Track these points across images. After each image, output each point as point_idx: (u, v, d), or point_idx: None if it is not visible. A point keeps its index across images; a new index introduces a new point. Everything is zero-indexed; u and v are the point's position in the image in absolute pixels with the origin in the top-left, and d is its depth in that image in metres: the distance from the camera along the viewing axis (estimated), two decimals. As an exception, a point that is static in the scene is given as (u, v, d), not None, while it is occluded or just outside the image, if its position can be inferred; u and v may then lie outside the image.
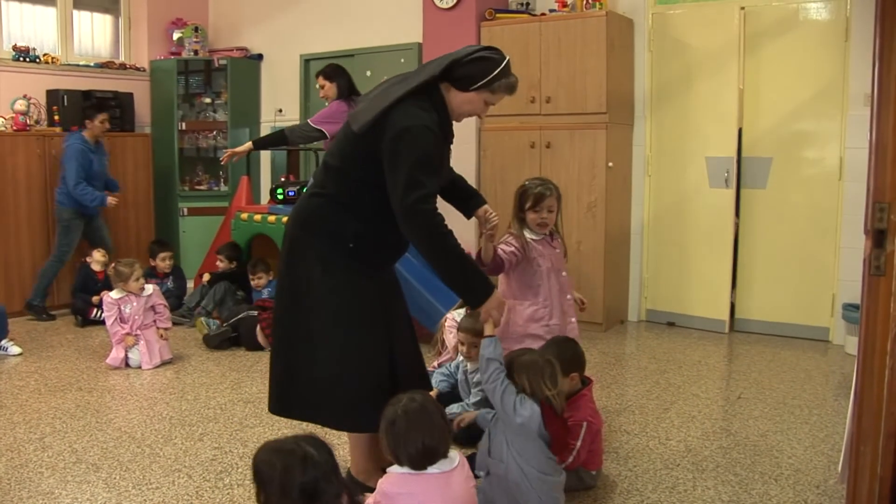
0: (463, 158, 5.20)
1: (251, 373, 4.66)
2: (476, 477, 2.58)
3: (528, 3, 6.04)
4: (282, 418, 3.77)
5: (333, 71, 5.29)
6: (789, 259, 5.42)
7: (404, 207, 2.54)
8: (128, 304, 4.82)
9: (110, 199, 5.93)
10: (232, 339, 5.18)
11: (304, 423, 3.67)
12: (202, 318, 5.39)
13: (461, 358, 3.66)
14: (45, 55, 6.69)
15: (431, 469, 2.24)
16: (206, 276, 5.98)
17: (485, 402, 3.22)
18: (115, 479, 3.16)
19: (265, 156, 7.55)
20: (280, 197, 5.87)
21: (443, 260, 2.64)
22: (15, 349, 5.01)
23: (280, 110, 7.49)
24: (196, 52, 7.49)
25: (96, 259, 5.93)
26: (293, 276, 2.82)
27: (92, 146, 6.01)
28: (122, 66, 7.29)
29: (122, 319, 4.79)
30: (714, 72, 5.52)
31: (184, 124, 7.44)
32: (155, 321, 4.89)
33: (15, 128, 6.13)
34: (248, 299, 5.70)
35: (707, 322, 5.68)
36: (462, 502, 2.30)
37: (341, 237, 2.73)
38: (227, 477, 3.18)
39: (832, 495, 3.01)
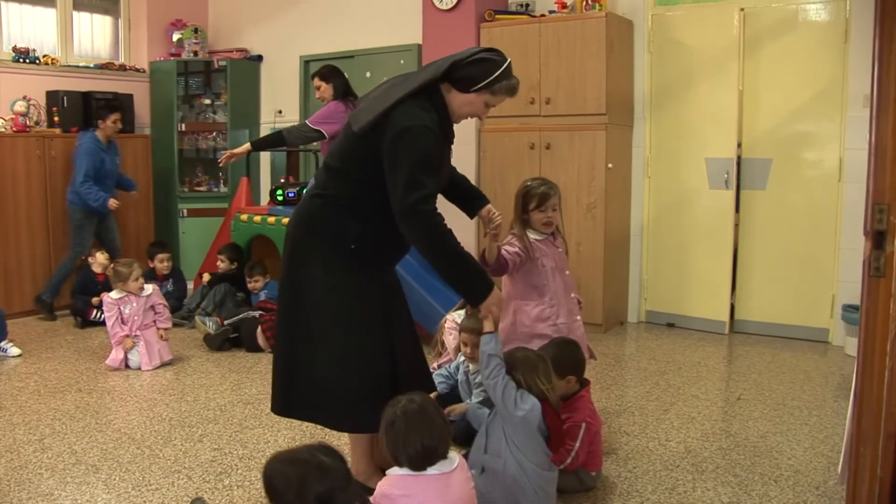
0: (463, 159, 5.20)
1: (251, 374, 4.65)
2: None
3: (527, 5, 6.04)
4: (281, 420, 3.78)
5: (329, 72, 5.31)
6: (789, 260, 5.42)
7: (404, 207, 2.54)
8: (128, 305, 4.81)
9: (112, 202, 5.95)
10: (232, 340, 5.18)
11: (305, 424, 3.69)
12: (199, 317, 5.38)
13: (462, 358, 3.66)
14: (44, 56, 6.69)
15: (431, 470, 2.24)
16: (206, 277, 5.98)
17: (487, 403, 3.22)
18: (114, 480, 3.16)
19: (265, 157, 7.56)
20: (280, 198, 5.88)
21: (443, 259, 2.65)
22: (14, 350, 5.01)
23: (280, 111, 7.50)
24: (196, 54, 7.49)
25: (98, 261, 5.93)
26: (294, 277, 2.83)
27: (104, 146, 6.07)
28: (122, 68, 7.30)
29: (122, 320, 4.79)
30: (714, 73, 5.52)
31: (183, 125, 7.44)
32: (155, 321, 4.89)
33: (15, 129, 6.13)
34: (248, 301, 5.70)
35: (707, 323, 5.69)
36: (462, 503, 2.30)
37: (343, 238, 2.73)
38: (226, 478, 3.18)
39: (832, 496, 3.01)
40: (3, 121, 6.14)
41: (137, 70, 7.42)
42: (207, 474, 3.22)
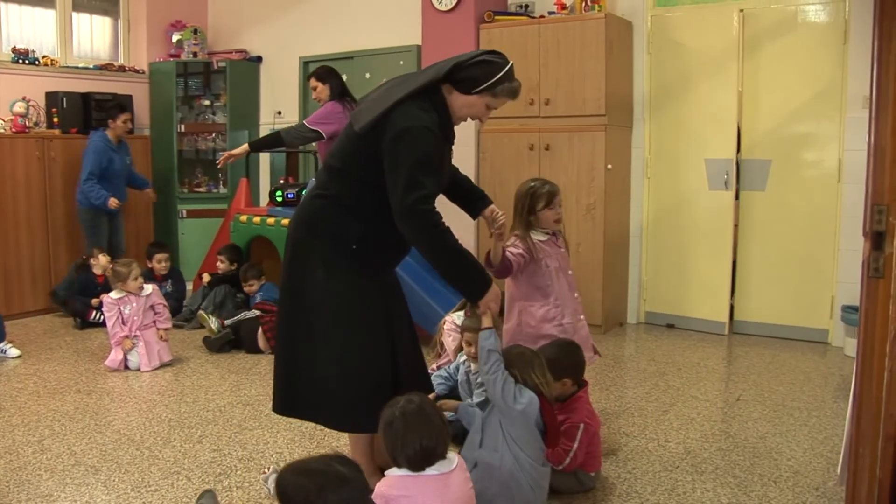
0: (462, 160, 5.19)
1: (250, 375, 4.65)
2: None
3: (526, 6, 6.05)
4: (281, 421, 3.79)
5: (326, 73, 5.32)
6: (788, 261, 5.43)
7: (404, 207, 2.54)
8: (127, 305, 4.81)
9: (112, 201, 5.96)
10: (232, 341, 5.18)
11: (304, 426, 3.69)
12: (204, 313, 5.36)
13: (463, 358, 3.66)
14: (44, 57, 6.69)
15: (429, 470, 2.24)
16: (207, 277, 5.98)
17: (487, 404, 3.23)
18: (113, 481, 3.16)
19: (264, 158, 7.56)
20: (279, 199, 5.88)
21: (443, 258, 2.66)
22: (14, 351, 5.00)
23: (279, 112, 7.50)
24: (195, 55, 7.49)
25: (100, 263, 5.92)
26: (295, 278, 2.83)
27: (114, 145, 6.12)
28: (122, 69, 7.30)
29: (122, 320, 4.79)
30: (713, 74, 5.53)
31: (183, 126, 7.44)
32: (155, 321, 4.89)
33: (14, 130, 6.13)
34: (247, 302, 5.70)
35: (706, 324, 5.69)
36: (461, 503, 2.30)
37: (344, 239, 2.73)
38: (226, 479, 3.18)
39: (831, 497, 3.01)
40: (2, 122, 6.14)
41: (137, 71, 7.42)
42: (207, 475, 3.22)
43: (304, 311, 2.80)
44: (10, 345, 5.04)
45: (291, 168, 7.33)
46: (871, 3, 1.88)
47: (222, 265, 5.87)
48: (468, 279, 2.71)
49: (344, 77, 6.66)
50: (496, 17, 5.95)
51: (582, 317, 3.47)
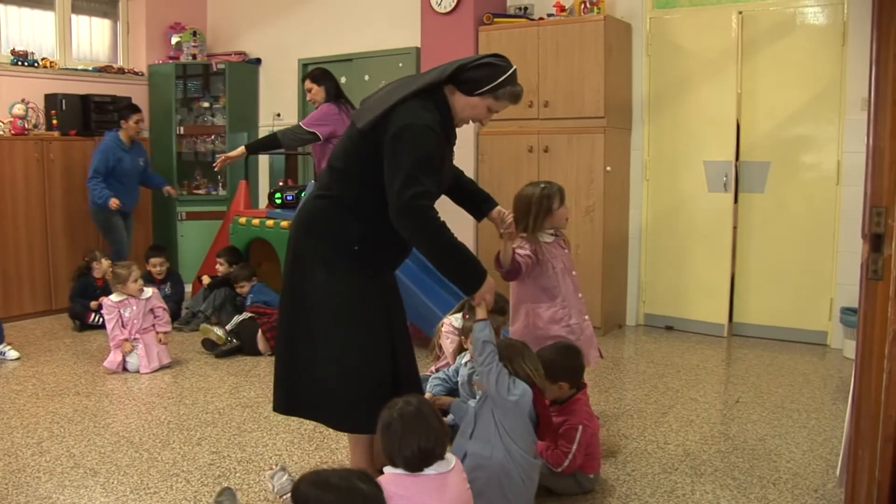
0: (461, 162, 5.18)
1: (249, 377, 4.65)
2: None
3: (526, 8, 6.05)
4: (280, 423, 3.79)
5: (321, 74, 5.32)
6: (787, 263, 5.43)
7: (400, 203, 2.54)
8: (128, 308, 4.81)
9: (113, 202, 5.97)
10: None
11: (304, 428, 3.69)
12: (207, 325, 5.33)
13: (465, 359, 3.65)
14: (43, 59, 6.69)
15: (428, 471, 2.24)
16: (206, 279, 5.98)
17: None
18: (113, 483, 3.16)
19: (263, 160, 7.56)
20: (278, 201, 5.88)
21: (440, 253, 2.67)
22: (13, 354, 5.00)
23: (278, 114, 7.50)
24: (194, 57, 7.49)
25: (102, 267, 5.90)
26: (296, 278, 2.84)
27: (125, 146, 6.17)
28: (121, 71, 7.30)
29: (121, 323, 4.79)
30: (712, 76, 5.53)
31: (182, 128, 7.44)
32: (154, 325, 4.89)
33: (13, 132, 6.13)
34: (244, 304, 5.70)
35: (705, 326, 5.69)
36: (462, 503, 2.31)
37: (345, 239, 2.74)
38: (225, 481, 3.18)
39: (830, 499, 3.01)
40: (1, 124, 6.14)
41: (136, 73, 7.42)
42: (206, 478, 3.22)
43: (304, 311, 2.80)
44: (9, 347, 5.03)
45: (290, 170, 7.33)
46: (870, 5, 1.89)
47: (221, 267, 5.87)
48: (465, 273, 2.72)
49: (343, 79, 6.69)
50: (495, 20, 5.96)
51: (587, 317, 3.51)
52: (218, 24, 7.93)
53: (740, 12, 5.39)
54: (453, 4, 5.98)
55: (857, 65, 4.98)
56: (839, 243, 5.20)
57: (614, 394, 4.38)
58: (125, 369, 4.75)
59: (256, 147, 5.57)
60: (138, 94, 7.24)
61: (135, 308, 4.83)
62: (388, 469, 2.27)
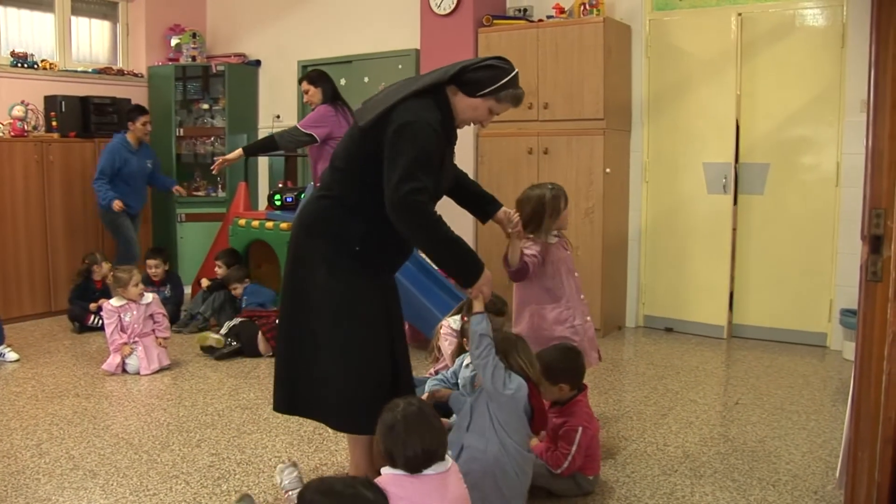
0: (461, 164, 5.19)
1: (249, 379, 4.65)
2: None
3: (525, 10, 6.05)
4: (279, 425, 3.79)
5: (317, 76, 5.32)
6: (787, 265, 5.43)
7: (397, 197, 2.54)
8: (128, 313, 4.82)
9: (116, 204, 5.99)
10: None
11: (303, 429, 3.68)
12: (203, 334, 5.31)
13: (466, 362, 3.65)
14: (43, 61, 6.69)
15: (427, 471, 2.24)
16: (205, 282, 5.98)
17: None
18: (112, 485, 3.15)
19: (263, 162, 7.56)
20: (278, 203, 5.88)
21: (437, 246, 2.67)
22: (12, 355, 5.00)
23: (278, 116, 7.50)
24: (194, 59, 7.50)
25: (102, 271, 5.90)
26: (297, 278, 2.84)
27: (132, 148, 6.20)
28: (120, 72, 7.30)
29: (121, 327, 4.79)
30: (711, 78, 5.53)
31: (181, 130, 7.45)
32: (154, 330, 4.89)
33: (13, 134, 6.13)
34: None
35: (705, 328, 5.69)
36: (459, 503, 2.31)
37: (347, 239, 2.74)
38: (224, 483, 3.18)
39: (830, 501, 3.01)
40: (1, 125, 6.14)
41: (135, 75, 7.42)
42: (205, 479, 3.21)
43: (304, 312, 2.81)
44: (8, 348, 5.03)
45: (290, 172, 7.33)
46: (869, 7, 1.89)
47: (220, 270, 5.86)
48: (462, 266, 2.73)
49: (342, 81, 6.70)
50: (495, 22, 5.96)
51: (588, 318, 3.54)
52: (217, 25, 7.93)
53: (740, 14, 5.39)
54: (453, 6, 5.98)
55: (856, 66, 4.99)
56: (839, 245, 5.21)
57: (614, 395, 4.38)
58: (125, 371, 4.74)
59: (254, 149, 5.56)
60: (138, 96, 7.24)
61: (135, 313, 4.83)
62: (386, 470, 2.27)
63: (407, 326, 4.60)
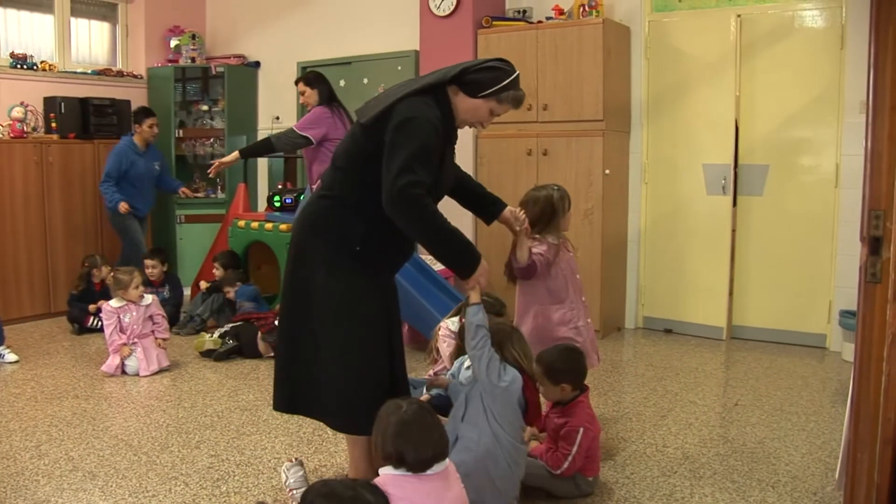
0: (460, 166, 5.23)
1: (248, 380, 4.65)
2: None
3: (524, 11, 6.05)
4: (279, 426, 3.79)
5: (314, 77, 5.32)
6: (786, 266, 5.43)
7: (394, 189, 2.54)
8: (127, 314, 4.81)
9: (122, 206, 6.01)
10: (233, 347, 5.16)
11: (302, 430, 3.68)
12: (200, 339, 5.31)
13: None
14: (42, 62, 6.69)
15: (427, 471, 2.24)
16: (204, 284, 5.98)
17: None
18: (111, 486, 3.15)
19: (262, 163, 7.56)
20: (277, 204, 5.88)
21: (434, 238, 2.66)
22: (11, 356, 5.00)
23: (277, 118, 7.50)
24: (193, 60, 7.50)
25: (102, 274, 5.89)
26: (297, 278, 2.85)
27: (139, 150, 6.22)
28: (120, 74, 7.30)
29: (120, 329, 4.79)
30: (710, 79, 5.54)
31: (181, 131, 7.44)
32: (153, 331, 4.89)
33: (12, 135, 6.13)
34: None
35: (704, 329, 5.69)
36: (458, 503, 2.31)
37: (348, 239, 2.74)
38: (223, 485, 3.18)
39: (829, 502, 3.01)
40: (0, 127, 6.14)
41: (135, 76, 7.42)
42: (205, 481, 3.21)
43: (305, 312, 2.81)
44: (7, 350, 5.03)
45: (289, 173, 7.33)
46: (868, 9, 1.89)
47: (217, 272, 5.86)
48: (460, 256, 2.73)
49: (342, 82, 6.70)
50: (494, 23, 5.96)
51: (588, 320, 3.58)
52: (217, 27, 7.94)
53: (739, 15, 5.40)
54: (452, 7, 5.98)
55: (855, 68, 4.99)
56: (838, 246, 5.21)
57: (613, 397, 4.38)
58: (124, 372, 4.74)
59: (250, 152, 5.56)
60: (137, 97, 7.24)
61: (134, 314, 4.83)
62: (385, 470, 2.27)
63: (406, 328, 4.61)
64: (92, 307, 5.71)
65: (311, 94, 5.24)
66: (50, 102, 6.49)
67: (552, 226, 3.45)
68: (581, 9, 5.68)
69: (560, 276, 3.45)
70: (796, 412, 4.07)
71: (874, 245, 1.84)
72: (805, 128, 5.31)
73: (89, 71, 7.08)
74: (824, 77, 5.19)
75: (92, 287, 5.90)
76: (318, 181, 5.06)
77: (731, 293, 5.63)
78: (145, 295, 4.95)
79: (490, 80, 2.73)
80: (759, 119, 5.47)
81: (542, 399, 3.16)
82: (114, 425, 3.89)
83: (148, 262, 6.02)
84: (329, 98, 5.24)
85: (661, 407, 4.18)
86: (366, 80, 6.79)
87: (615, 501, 3.04)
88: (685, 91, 5.68)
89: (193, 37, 7.54)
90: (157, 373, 4.77)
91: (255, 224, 5.71)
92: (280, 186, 6.80)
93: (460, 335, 3.64)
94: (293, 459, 3.09)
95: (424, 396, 3.45)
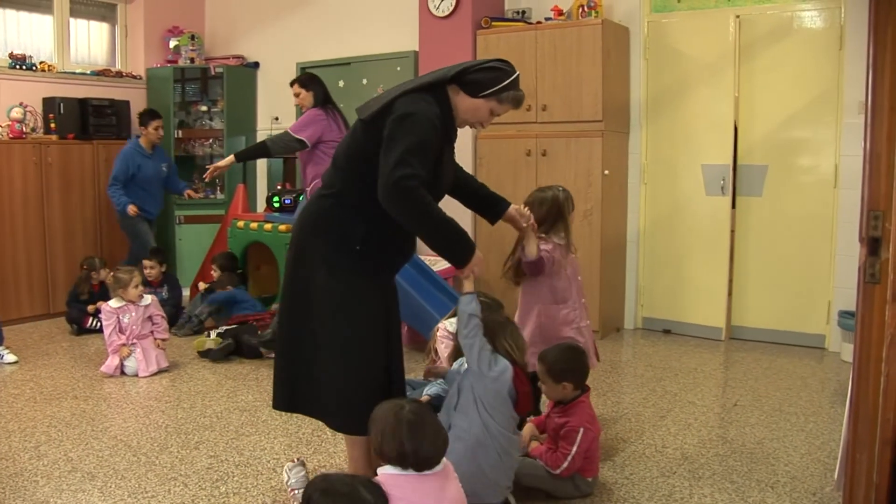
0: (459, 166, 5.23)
1: (247, 381, 4.65)
2: None
3: (523, 12, 6.05)
4: (277, 427, 3.79)
5: (309, 79, 5.30)
6: (785, 266, 5.43)
7: (389, 181, 2.53)
8: (126, 314, 4.81)
9: (131, 208, 6.03)
10: (230, 347, 5.15)
11: (302, 431, 3.68)
12: (199, 340, 5.30)
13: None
14: (41, 63, 6.69)
15: (426, 471, 2.24)
16: (202, 285, 5.98)
17: None
18: (110, 487, 3.15)
19: (261, 164, 7.55)
20: (276, 205, 5.88)
21: (429, 229, 2.66)
22: (10, 357, 4.99)
23: (276, 118, 7.50)
24: (192, 60, 7.50)
25: (101, 277, 5.88)
26: (297, 277, 2.85)
27: (146, 152, 6.23)
28: (119, 74, 7.30)
29: (120, 329, 4.79)
30: (709, 79, 5.54)
31: (180, 132, 7.44)
32: (152, 332, 4.89)
33: (11, 135, 6.13)
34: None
35: (703, 329, 5.69)
36: (456, 502, 2.31)
37: (348, 238, 2.75)
38: (222, 485, 3.18)
39: (828, 503, 3.01)
40: (-1, 127, 6.15)
41: (134, 77, 7.42)
42: (204, 481, 3.21)
43: (305, 312, 2.81)
44: (6, 350, 5.03)
45: (289, 174, 7.32)
46: (867, 10, 1.89)
47: (215, 273, 5.86)
48: (454, 246, 2.73)
49: (341, 83, 6.70)
50: (493, 24, 5.96)
51: (588, 321, 3.62)
52: (216, 27, 7.93)
53: (738, 16, 5.40)
54: (451, 8, 5.98)
55: (854, 68, 4.99)
56: (837, 247, 5.21)
57: (612, 397, 4.38)
58: (123, 373, 4.74)
59: (246, 155, 5.52)
60: (136, 98, 7.24)
61: (133, 314, 4.83)
62: (384, 470, 2.27)
63: (405, 328, 4.61)
64: (91, 308, 5.70)
65: (306, 97, 5.21)
66: (49, 103, 6.49)
67: (558, 226, 3.50)
68: (580, 9, 5.68)
69: (564, 275, 3.49)
70: (795, 413, 4.08)
71: (873, 245, 1.85)
72: (804, 128, 5.32)
73: (88, 71, 7.08)
74: (823, 78, 5.19)
75: (90, 288, 5.89)
76: (312, 183, 5.08)
77: (730, 294, 5.64)
78: (145, 295, 4.94)
79: (490, 80, 2.75)
80: (758, 120, 5.47)
81: (542, 399, 3.17)
82: (113, 426, 3.89)
83: (146, 262, 6.01)
84: (324, 100, 5.21)
85: (660, 407, 4.19)
86: (365, 81, 6.79)
87: (614, 502, 3.04)
88: (684, 92, 5.68)
89: (192, 37, 7.53)
90: (156, 373, 4.77)
91: (254, 225, 5.71)
92: (279, 187, 6.79)
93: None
94: (295, 459, 3.10)
95: (424, 397, 3.46)
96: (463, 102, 2.78)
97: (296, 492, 2.91)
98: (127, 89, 7.24)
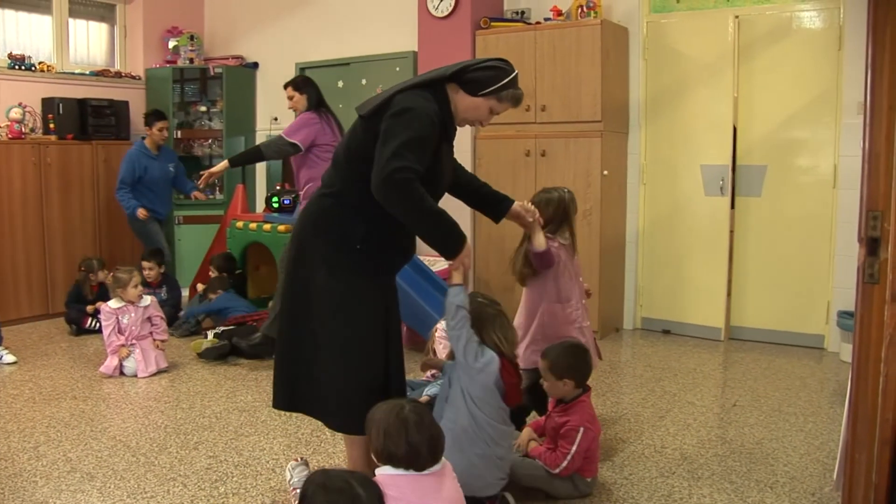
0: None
1: (246, 381, 4.65)
2: None
3: (522, 12, 6.06)
4: (277, 427, 3.79)
5: (303, 82, 5.27)
6: (784, 266, 5.43)
7: (383, 173, 2.53)
8: (126, 315, 4.81)
9: (141, 212, 6.04)
10: (229, 347, 5.15)
11: (301, 431, 3.68)
12: (197, 341, 5.29)
13: None
14: (40, 63, 6.68)
15: (425, 471, 2.25)
16: (201, 286, 5.97)
17: None
18: (109, 488, 3.15)
19: (260, 165, 7.54)
20: (275, 205, 5.87)
21: (421, 220, 2.66)
22: (9, 358, 4.99)
23: (275, 119, 7.50)
24: (191, 61, 7.50)
25: (98, 277, 5.88)
26: (298, 278, 2.85)
27: (152, 154, 6.23)
28: (118, 75, 7.30)
29: (119, 330, 4.78)
30: (708, 80, 5.54)
31: (179, 132, 7.44)
32: (151, 333, 4.89)
33: (10, 136, 6.13)
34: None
35: (702, 330, 5.69)
36: (455, 502, 2.31)
37: (348, 238, 2.75)
38: (221, 486, 3.18)
39: (827, 503, 3.01)
40: (-2, 128, 6.15)
41: (133, 77, 7.42)
42: (203, 482, 3.21)
43: (305, 311, 2.81)
44: (5, 351, 5.02)
45: (287, 174, 7.32)
46: (865, 10, 1.89)
47: (213, 274, 5.86)
48: (445, 237, 2.72)
49: (340, 83, 6.70)
50: (492, 24, 5.96)
51: (589, 322, 3.64)
52: (215, 27, 7.93)
53: (737, 16, 5.40)
54: (450, 8, 5.98)
55: (853, 68, 5.00)
56: (836, 247, 5.21)
57: (611, 397, 4.38)
58: (122, 374, 4.74)
59: (240, 160, 5.49)
60: (135, 98, 7.25)
61: (133, 315, 4.82)
62: (382, 470, 2.27)
63: (404, 329, 4.60)
64: (90, 308, 5.70)
65: (300, 100, 5.17)
66: (48, 103, 6.49)
67: (563, 227, 3.52)
68: (579, 10, 5.68)
69: (568, 275, 3.51)
70: (794, 413, 4.08)
71: (872, 246, 1.85)
72: (803, 129, 5.32)
73: (87, 72, 7.08)
74: (822, 78, 5.20)
75: (89, 289, 5.89)
76: (305, 187, 5.07)
77: (729, 294, 5.64)
78: (144, 296, 4.94)
79: (490, 78, 2.75)
80: (757, 120, 5.47)
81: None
82: (112, 426, 3.89)
83: (145, 263, 6.00)
84: (317, 103, 5.18)
85: (659, 408, 4.19)
86: (364, 81, 6.79)
87: (613, 502, 3.04)
88: (683, 92, 5.68)
89: (192, 37, 7.53)
90: (155, 374, 4.76)
91: (253, 225, 5.71)
92: (278, 187, 6.79)
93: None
94: (299, 459, 3.10)
95: (424, 398, 3.46)
96: (462, 101, 2.78)
97: (297, 491, 2.91)
98: (126, 90, 7.24)
